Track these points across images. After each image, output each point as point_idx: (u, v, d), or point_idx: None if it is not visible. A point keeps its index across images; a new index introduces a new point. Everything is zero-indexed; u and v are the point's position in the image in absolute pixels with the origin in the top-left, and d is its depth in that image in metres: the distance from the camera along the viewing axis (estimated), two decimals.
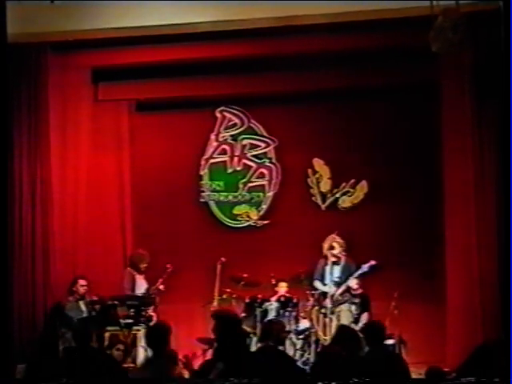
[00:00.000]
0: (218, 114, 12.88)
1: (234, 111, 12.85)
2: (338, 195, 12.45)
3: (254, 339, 10.73)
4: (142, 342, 10.78)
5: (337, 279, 10.96)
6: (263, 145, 12.78)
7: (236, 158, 12.84)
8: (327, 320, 10.73)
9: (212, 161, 12.89)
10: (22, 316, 11.26)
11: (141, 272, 11.47)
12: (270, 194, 12.70)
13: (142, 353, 10.71)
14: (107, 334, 10.44)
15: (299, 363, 10.01)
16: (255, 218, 12.69)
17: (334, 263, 11.07)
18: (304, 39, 11.00)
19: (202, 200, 12.85)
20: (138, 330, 10.79)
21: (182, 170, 12.78)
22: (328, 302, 10.84)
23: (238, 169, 12.83)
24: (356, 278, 10.88)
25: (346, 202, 12.41)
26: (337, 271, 11.03)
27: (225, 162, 12.87)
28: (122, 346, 10.51)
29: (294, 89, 12.06)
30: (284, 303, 11.03)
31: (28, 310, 11.33)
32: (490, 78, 9.91)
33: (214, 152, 12.90)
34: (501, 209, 10.23)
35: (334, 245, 11.05)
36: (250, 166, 12.78)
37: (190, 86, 12.19)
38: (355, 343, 7.48)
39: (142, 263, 11.43)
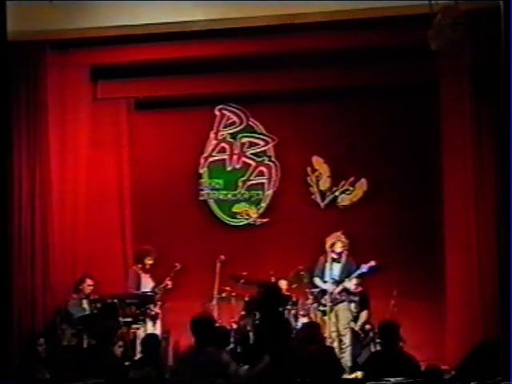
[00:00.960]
0: (217, 113, 12.88)
1: (233, 109, 12.85)
2: (337, 193, 12.45)
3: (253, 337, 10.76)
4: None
5: (336, 277, 10.97)
6: (262, 143, 12.78)
7: (235, 156, 12.84)
8: (326, 318, 10.72)
9: (211, 159, 12.89)
10: (22, 314, 11.25)
11: (146, 270, 11.47)
12: (270, 192, 12.70)
13: None
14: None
15: None
16: (254, 216, 12.69)
17: (335, 260, 11.07)
18: (303, 37, 10.99)
19: (201, 198, 12.85)
20: (138, 329, 10.81)
21: (181, 169, 12.78)
22: (327, 300, 10.83)
23: (237, 167, 12.84)
24: (355, 277, 10.88)
25: (345, 201, 12.42)
26: (337, 269, 11.04)
27: (224, 160, 12.87)
28: (122, 343, 10.52)
29: (294, 87, 12.04)
30: (283, 301, 11.02)
31: (27, 309, 11.32)
32: (489, 77, 9.91)
33: (213, 150, 12.90)
34: (500, 208, 10.25)
35: (338, 243, 11.05)
36: (250, 164, 12.79)
37: (189, 84, 12.18)
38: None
39: (146, 258, 11.42)
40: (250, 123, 12.81)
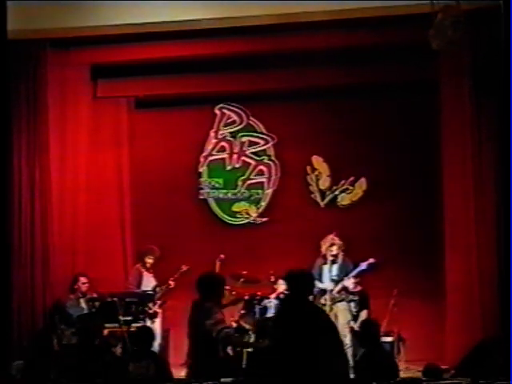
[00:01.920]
0: (217, 111, 12.87)
1: (233, 108, 12.85)
2: (337, 192, 12.45)
3: (253, 336, 10.76)
4: None
5: (335, 277, 10.96)
6: (262, 142, 12.78)
7: (235, 155, 12.84)
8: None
9: (211, 158, 12.89)
10: (22, 313, 11.25)
11: (148, 269, 11.47)
12: (269, 191, 12.70)
13: None
14: (106, 331, 10.43)
15: None
16: (254, 215, 12.69)
17: (332, 262, 11.06)
18: (303, 36, 11.00)
19: (200, 197, 12.85)
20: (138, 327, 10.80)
21: (181, 167, 12.78)
22: (326, 300, 10.83)
23: (237, 166, 12.83)
24: (354, 276, 10.89)
25: (345, 200, 12.42)
26: (334, 270, 11.02)
27: (224, 159, 12.87)
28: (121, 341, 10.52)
29: (294, 86, 12.04)
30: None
31: (27, 308, 11.31)
32: (489, 77, 9.91)
33: (213, 149, 12.89)
34: (500, 207, 10.26)
35: (333, 246, 11.03)
36: (249, 163, 12.78)
37: (189, 83, 12.18)
38: None
39: (147, 257, 11.42)
40: (250, 122, 12.81)
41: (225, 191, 12.81)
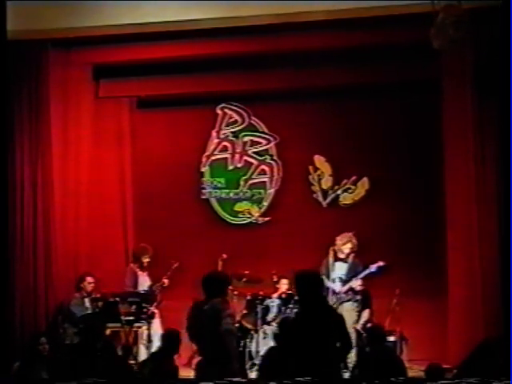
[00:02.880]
0: (219, 111, 12.87)
1: (235, 108, 12.85)
2: (339, 192, 12.44)
3: (255, 336, 10.77)
4: (143, 339, 10.81)
5: (343, 276, 10.95)
6: (264, 142, 12.78)
7: (237, 155, 12.84)
8: None
9: (213, 158, 12.88)
10: (24, 314, 11.27)
11: (143, 268, 11.47)
12: (271, 190, 12.70)
13: (143, 350, 10.74)
14: (108, 331, 10.44)
15: None
16: (256, 214, 12.69)
17: (342, 260, 11.05)
18: (304, 36, 10.99)
19: (203, 197, 12.85)
20: (139, 327, 10.81)
21: (183, 167, 12.78)
22: (332, 299, 10.82)
23: (239, 166, 12.83)
24: (362, 278, 10.87)
25: (347, 199, 12.42)
26: (343, 269, 11.01)
27: (226, 158, 12.87)
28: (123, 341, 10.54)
29: (295, 86, 12.04)
30: (285, 300, 11.03)
31: (30, 308, 11.33)
32: (491, 76, 9.91)
33: (215, 149, 12.89)
34: (502, 207, 10.25)
35: (348, 244, 11.00)
36: (251, 163, 12.78)
37: (191, 82, 12.18)
38: None
39: (144, 256, 11.42)
40: (252, 122, 12.81)
41: (227, 191, 12.81)
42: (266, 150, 12.77)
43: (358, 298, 10.91)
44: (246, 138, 12.84)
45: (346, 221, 11.93)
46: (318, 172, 12.51)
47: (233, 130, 12.87)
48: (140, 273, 11.48)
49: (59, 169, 11.73)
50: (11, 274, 11.02)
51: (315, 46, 11.15)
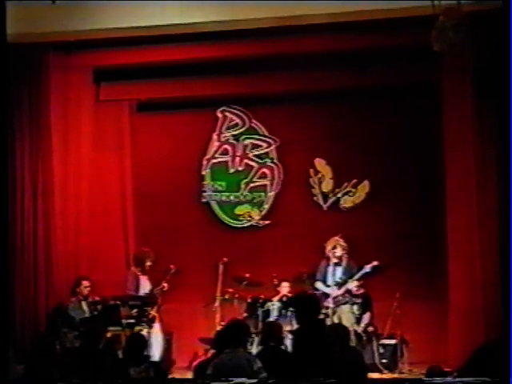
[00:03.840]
0: (220, 114, 12.88)
1: (236, 111, 12.85)
2: (339, 195, 12.45)
3: (256, 339, 10.76)
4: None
5: (339, 280, 10.96)
6: (265, 145, 12.78)
7: (238, 158, 12.84)
8: (329, 320, 10.70)
9: (214, 161, 12.89)
10: (24, 317, 11.27)
11: (145, 272, 11.46)
12: (272, 193, 12.70)
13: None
14: (109, 335, 10.43)
15: None
16: (257, 218, 12.69)
17: (336, 264, 11.06)
18: (305, 39, 11.00)
19: (203, 200, 12.85)
20: (140, 331, 10.79)
21: (184, 171, 12.78)
22: (330, 303, 10.83)
23: (240, 169, 12.84)
24: (358, 279, 10.88)
25: (347, 202, 12.42)
26: (339, 272, 11.03)
27: (226, 162, 12.87)
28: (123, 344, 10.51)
29: (296, 89, 12.04)
30: (286, 303, 11.02)
31: (30, 311, 11.34)
32: (491, 79, 9.91)
33: (215, 152, 12.90)
34: (503, 209, 10.24)
35: (337, 247, 11.03)
36: (252, 166, 12.79)
37: (192, 86, 12.18)
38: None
39: (146, 261, 11.42)
40: (253, 125, 12.81)
41: (227, 194, 12.81)
42: (267, 153, 12.77)
43: (359, 301, 10.91)
44: (247, 141, 12.85)
45: (347, 224, 11.93)
46: (319, 175, 12.51)
47: (233, 133, 12.87)
48: (141, 276, 11.48)
49: (59, 172, 11.73)
50: (12, 277, 11.00)
51: (316, 49, 11.16)
